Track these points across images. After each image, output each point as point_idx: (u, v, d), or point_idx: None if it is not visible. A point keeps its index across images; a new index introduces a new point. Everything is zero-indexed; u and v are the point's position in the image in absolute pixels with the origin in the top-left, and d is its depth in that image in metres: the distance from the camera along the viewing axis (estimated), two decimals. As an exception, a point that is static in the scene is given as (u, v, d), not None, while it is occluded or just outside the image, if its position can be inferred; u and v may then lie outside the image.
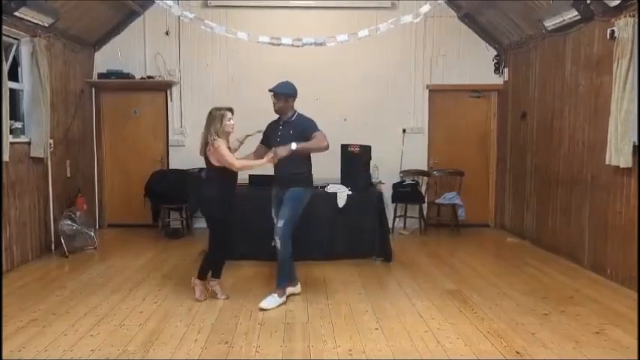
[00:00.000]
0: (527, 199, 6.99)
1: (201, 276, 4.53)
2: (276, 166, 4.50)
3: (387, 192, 7.34)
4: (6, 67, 5.32)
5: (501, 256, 6.28)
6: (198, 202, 4.62)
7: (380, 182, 7.08)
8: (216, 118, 4.37)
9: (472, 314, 4.18)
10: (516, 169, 7.34)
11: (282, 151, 4.27)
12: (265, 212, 5.78)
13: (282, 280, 4.52)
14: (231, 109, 4.48)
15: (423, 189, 7.67)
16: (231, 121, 4.43)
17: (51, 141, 6.07)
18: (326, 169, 6.50)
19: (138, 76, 7.56)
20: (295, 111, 4.66)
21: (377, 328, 3.89)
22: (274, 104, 4.63)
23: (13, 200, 5.46)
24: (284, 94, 4.60)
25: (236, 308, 4.31)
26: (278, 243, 4.46)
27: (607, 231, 5.19)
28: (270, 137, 4.67)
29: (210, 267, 4.56)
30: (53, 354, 3.41)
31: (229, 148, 4.42)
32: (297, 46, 5.74)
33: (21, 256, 5.61)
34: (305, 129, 4.49)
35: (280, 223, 4.45)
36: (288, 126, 4.58)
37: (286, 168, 4.43)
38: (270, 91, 4.63)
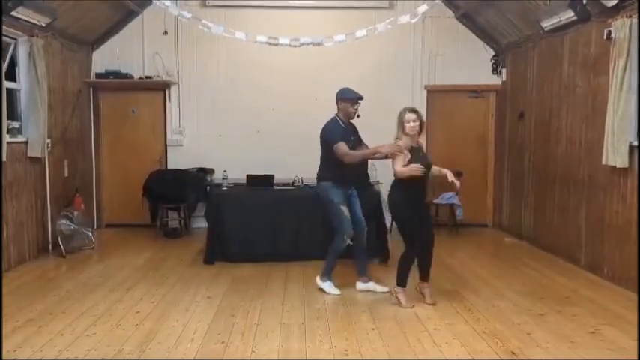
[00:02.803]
0: (525, 199, 6.99)
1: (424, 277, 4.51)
2: (353, 168, 4.74)
3: (385, 192, 7.31)
4: (4, 67, 5.32)
5: (499, 257, 6.29)
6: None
7: (378, 182, 7.07)
8: (398, 118, 4.35)
9: (469, 314, 4.19)
10: (514, 169, 7.35)
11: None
12: (263, 213, 5.83)
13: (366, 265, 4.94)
14: (413, 109, 4.34)
15: (421, 189, 7.66)
16: (411, 123, 4.28)
17: (48, 141, 6.08)
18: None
19: (136, 76, 7.56)
20: None
21: (373, 329, 3.89)
22: (357, 110, 4.82)
23: (10, 200, 5.46)
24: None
25: (233, 308, 4.31)
26: (365, 232, 4.82)
27: (604, 231, 5.20)
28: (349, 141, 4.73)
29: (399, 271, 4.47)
30: (49, 354, 3.41)
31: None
32: (295, 46, 5.74)
33: (18, 256, 5.61)
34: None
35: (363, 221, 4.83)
36: (354, 128, 4.92)
37: (365, 170, 4.81)
38: (360, 99, 4.80)
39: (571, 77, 5.83)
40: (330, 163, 4.69)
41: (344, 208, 4.68)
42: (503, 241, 7.09)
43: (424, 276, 4.51)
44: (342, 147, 4.56)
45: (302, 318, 4.12)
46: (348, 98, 4.75)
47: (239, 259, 5.71)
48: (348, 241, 4.69)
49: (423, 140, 4.38)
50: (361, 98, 4.76)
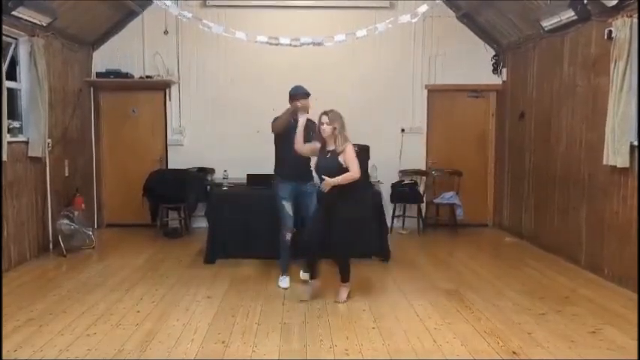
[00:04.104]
0: (525, 198, 6.99)
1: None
2: (298, 162, 4.77)
3: (386, 192, 7.35)
4: (4, 67, 5.33)
5: (499, 256, 6.28)
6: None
7: (379, 182, 7.09)
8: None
9: (469, 314, 4.19)
10: (514, 169, 7.35)
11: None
12: (263, 212, 5.82)
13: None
14: (325, 112, 4.44)
15: (422, 189, 7.67)
16: (322, 125, 4.40)
17: (49, 140, 6.07)
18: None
19: (136, 76, 7.55)
20: None
21: (374, 328, 3.90)
22: (307, 106, 4.83)
23: (10, 200, 5.46)
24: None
25: (233, 308, 4.31)
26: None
27: (604, 231, 5.20)
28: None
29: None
30: (49, 353, 3.41)
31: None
32: (295, 46, 5.74)
33: (19, 256, 5.61)
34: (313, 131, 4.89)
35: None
36: (310, 125, 4.91)
37: (306, 164, 4.85)
38: (305, 94, 4.87)
39: (571, 77, 5.83)
40: (276, 157, 4.96)
41: (285, 204, 4.82)
42: (503, 240, 7.09)
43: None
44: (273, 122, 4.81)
45: (302, 317, 4.12)
46: (292, 95, 4.86)
47: (239, 259, 5.71)
48: (288, 237, 4.81)
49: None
50: (307, 94, 4.84)
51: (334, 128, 4.34)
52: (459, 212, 7.40)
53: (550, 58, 6.29)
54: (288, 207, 4.82)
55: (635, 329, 3.80)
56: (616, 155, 4.77)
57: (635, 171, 4.70)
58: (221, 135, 7.70)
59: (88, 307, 4.29)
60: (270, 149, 7.79)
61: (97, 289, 4.78)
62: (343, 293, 4.52)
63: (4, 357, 3.34)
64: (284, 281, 4.92)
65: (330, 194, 4.29)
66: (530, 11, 6.19)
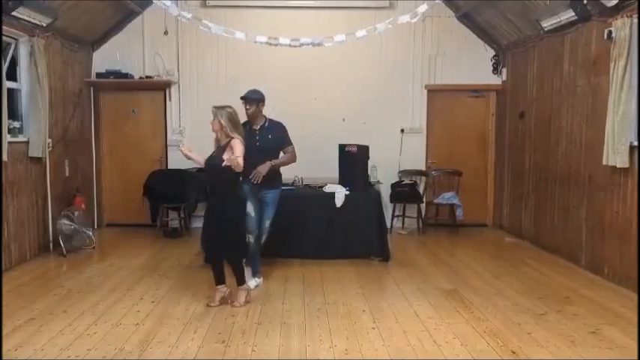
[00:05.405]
0: (525, 198, 6.99)
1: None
2: (257, 166, 4.70)
3: (386, 192, 7.35)
4: (4, 67, 5.33)
5: (499, 256, 6.28)
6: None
7: (378, 182, 7.09)
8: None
9: (469, 314, 4.19)
10: (514, 168, 7.35)
11: (263, 169, 4.67)
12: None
13: (258, 265, 5.02)
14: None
15: (422, 189, 7.67)
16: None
17: (49, 140, 6.08)
18: (324, 168, 6.52)
19: (136, 76, 7.56)
20: (264, 115, 5.00)
21: (374, 328, 3.90)
22: (247, 110, 4.93)
23: (11, 199, 5.47)
24: (256, 99, 4.92)
25: (233, 307, 4.31)
26: (264, 237, 4.99)
27: (604, 231, 5.20)
28: (247, 142, 4.60)
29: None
30: (50, 353, 3.42)
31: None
32: (295, 46, 5.74)
33: (19, 255, 5.62)
34: (281, 138, 4.92)
35: (267, 224, 4.97)
36: (265, 131, 4.94)
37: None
38: (242, 98, 4.93)
39: (571, 77, 5.83)
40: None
41: (248, 205, 4.72)
42: (503, 240, 7.10)
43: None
44: None
45: (302, 317, 4.13)
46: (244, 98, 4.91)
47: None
48: (249, 238, 4.76)
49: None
50: (244, 98, 4.94)
51: (220, 122, 4.34)
52: (459, 212, 7.41)
53: (550, 58, 6.30)
54: (250, 209, 4.75)
55: (636, 329, 3.80)
56: (615, 155, 4.78)
57: (635, 171, 4.71)
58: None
59: (88, 307, 4.29)
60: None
61: (98, 289, 4.79)
62: (241, 297, 4.38)
63: (4, 357, 3.34)
64: (252, 280, 4.88)
65: (215, 195, 4.35)
66: (530, 11, 6.19)
